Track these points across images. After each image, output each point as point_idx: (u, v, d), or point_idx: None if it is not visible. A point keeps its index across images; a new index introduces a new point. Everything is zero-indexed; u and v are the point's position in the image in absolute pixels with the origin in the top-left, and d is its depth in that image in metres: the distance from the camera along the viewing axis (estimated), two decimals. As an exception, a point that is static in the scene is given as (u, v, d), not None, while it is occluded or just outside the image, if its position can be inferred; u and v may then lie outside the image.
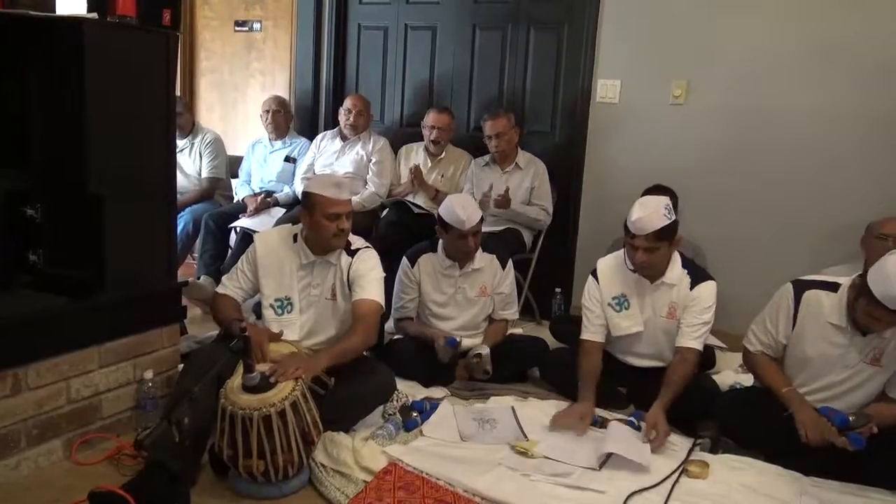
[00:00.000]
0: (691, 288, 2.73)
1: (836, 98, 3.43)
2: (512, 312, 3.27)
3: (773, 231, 3.61)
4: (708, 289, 2.73)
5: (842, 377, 2.42)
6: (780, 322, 2.49)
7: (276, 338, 2.49)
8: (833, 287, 2.42)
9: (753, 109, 3.60)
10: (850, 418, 2.26)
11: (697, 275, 2.77)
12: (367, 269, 2.62)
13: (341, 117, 4.18)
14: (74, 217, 2.34)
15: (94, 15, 2.33)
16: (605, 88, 3.91)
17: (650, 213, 2.60)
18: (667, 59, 3.76)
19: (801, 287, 2.46)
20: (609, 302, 2.81)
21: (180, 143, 4.26)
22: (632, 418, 2.67)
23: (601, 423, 2.64)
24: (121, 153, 2.37)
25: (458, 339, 3.00)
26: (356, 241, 2.70)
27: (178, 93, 4.41)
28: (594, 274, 2.88)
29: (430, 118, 4.06)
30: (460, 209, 2.95)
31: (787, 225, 3.57)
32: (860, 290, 2.26)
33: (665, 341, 2.79)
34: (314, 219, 2.56)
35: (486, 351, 2.98)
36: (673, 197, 3.29)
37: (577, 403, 2.69)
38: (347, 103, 4.19)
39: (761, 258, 3.56)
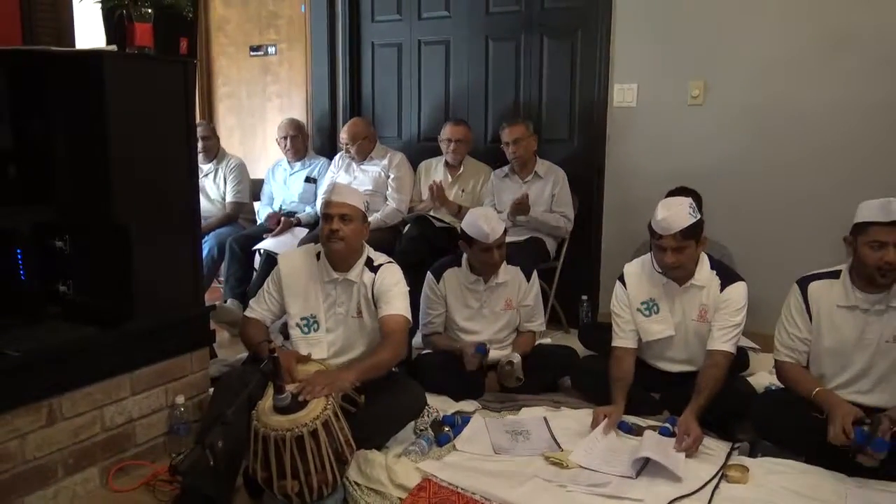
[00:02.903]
0: (721, 289, 2.70)
1: (859, 91, 3.38)
2: (538, 324, 3.24)
3: (800, 228, 3.56)
4: (739, 290, 2.70)
5: (866, 360, 2.37)
6: (797, 321, 2.48)
7: (305, 360, 2.49)
8: (835, 274, 2.44)
9: (774, 106, 3.56)
10: (864, 429, 2.18)
11: (727, 276, 2.74)
12: (391, 283, 2.61)
13: (343, 150, 4.21)
14: (102, 247, 2.37)
15: (113, 47, 2.38)
16: (622, 93, 3.90)
17: (675, 212, 2.59)
18: (683, 59, 3.74)
19: (804, 282, 2.48)
20: (638, 307, 2.78)
21: (205, 167, 4.33)
22: (666, 424, 2.63)
23: (636, 432, 2.60)
24: (145, 182, 2.40)
25: (486, 347, 2.98)
26: (378, 258, 2.70)
27: (198, 118, 4.50)
28: (621, 279, 2.85)
29: (447, 131, 4.07)
30: (484, 223, 2.95)
31: (813, 222, 3.51)
32: (853, 237, 2.31)
33: (697, 345, 2.75)
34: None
35: (517, 359, 2.96)
36: (696, 198, 3.27)
37: (605, 407, 2.66)
38: (343, 136, 4.20)
39: (789, 256, 3.50)
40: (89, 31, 2.82)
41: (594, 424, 2.58)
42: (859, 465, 2.25)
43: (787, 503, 2.15)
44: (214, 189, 4.39)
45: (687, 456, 2.39)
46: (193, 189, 2.63)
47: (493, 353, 3.07)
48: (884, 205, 2.26)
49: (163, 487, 2.31)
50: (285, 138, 4.35)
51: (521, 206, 3.72)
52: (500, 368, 3.00)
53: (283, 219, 4.15)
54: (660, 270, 2.73)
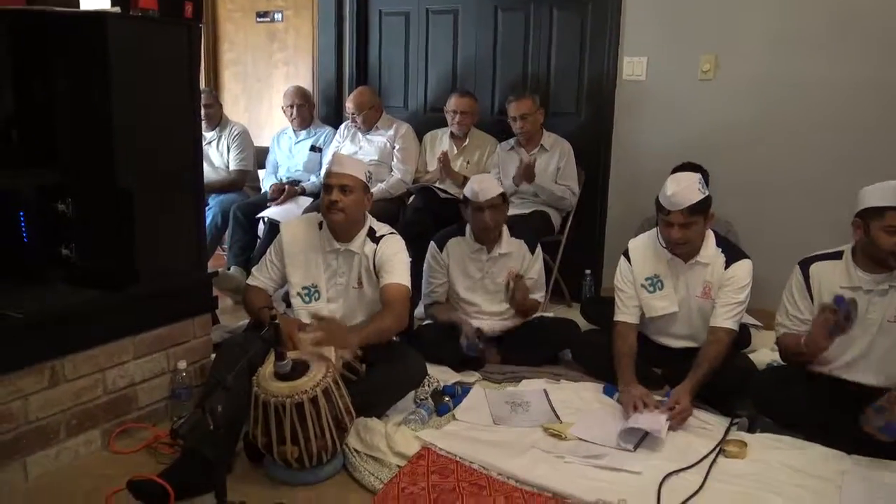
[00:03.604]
0: (726, 267, 2.68)
1: (872, 69, 3.33)
2: (539, 296, 3.24)
3: (806, 205, 3.53)
4: (744, 267, 2.68)
5: (867, 340, 2.37)
6: (798, 302, 2.48)
7: (304, 328, 2.49)
8: (837, 255, 2.44)
9: (786, 83, 3.51)
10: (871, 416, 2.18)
11: (732, 253, 2.72)
12: (392, 253, 2.61)
13: (349, 119, 4.18)
14: (105, 211, 2.36)
15: (117, 9, 2.35)
16: (632, 66, 3.85)
17: (684, 187, 2.57)
18: (694, 33, 3.68)
19: (806, 263, 2.48)
20: (642, 283, 2.77)
21: (208, 135, 4.30)
22: (666, 398, 2.63)
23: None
24: (148, 146, 2.39)
25: (474, 345, 2.96)
26: (381, 228, 2.69)
27: (203, 85, 4.47)
28: (626, 255, 2.84)
29: (453, 102, 4.03)
30: (475, 182, 3.04)
31: (820, 199, 3.48)
32: (864, 222, 2.29)
33: (700, 321, 2.74)
34: None
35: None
36: (703, 174, 3.23)
37: (626, 390, 2.57)
38: (349, 106, 4.16)
39: (794, 235, 3.48)
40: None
41: (629, 410, 2.48)
42: (858, 443, 2.26)
43: (785, 479, 2.16)
44: (218, 157, 4.37)
45: (673, 429, 2.39)
46: (197, 154, 2.61)
47: (493, 325, 3.10)
48: None
49: (163, 450, 2.33)
50: (291, 107, 4.31)
51: (528, 171, 3.69)
52: (515, 283, 3.05)
53: (286, 187, 4.14)
54: (665, 246, 2.72)
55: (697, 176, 2.65)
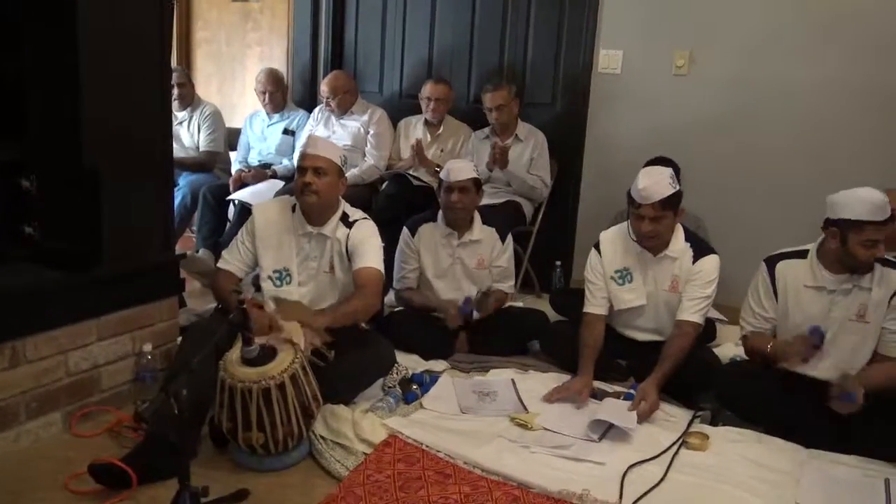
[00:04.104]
0: (694, 261, 2.72)
1: (841, 71, 3.38)
2: (508, 286, 3.26)
3: (775, 204, 3.58)
4: (711, 262, 2.72)
5: (830, 338, 2.41)
6: (763, 300, 2.52)
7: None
8: (802, 253, 2.48)
9: (758, 82, 3.55)
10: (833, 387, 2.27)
11: (700, 248, 2.76)
12: (365, 237, 2.60)
13: (323, 103, 4.14)
14: (70, 189, 2.31)
15: (88, -19, 2.28)
16: (607, 59, 3.86)
17: (656, 181, 2.59)
18: (670, 29, 3.70)
19: (772, 261, 2.51)
20: (612, 275, 2.79)
21: (180, 115, 4.23)
22: (630, 390, 2.67)
23: (601, 397, 2.64)
24: (116, 124, 2.33)
25: (471, 307, 3.02)
26: (354, 213, 2.68)
27: (174, 63, 4.39)
28: (597, 246, 2.86)
29: (427, 89, 4.01)
30: (451, 164, 3.10)
31: (789, 198, 3.54)
32: (842, 231, 2.29)
33: (666, 315, 2.77)
34: None
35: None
36: (675, 168, 3.26)
37: (575, 378, 2.69)
38: (324, 89, 4.11)
39: (763, 231, 3.53)
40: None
41: (562, 397, 2.59)
42: (816, 437, 2.31)
43: (744, 471, 2.20)
44: (189, 137, 4.30)
45: (641, 421, 2.43)
46: (166, 134, 2.55)
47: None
48: (877, 204, 2.24)
49: (127, 434, 2.30)
50: (264, 93, 4.25)
51: (502, 155, 3.68)
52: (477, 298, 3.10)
53: (253, 170, 4.09)
54: (635, 239, 2.74)
55: (669, 170, 2.68)
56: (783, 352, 2.43)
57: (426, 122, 4.10)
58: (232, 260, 2.65)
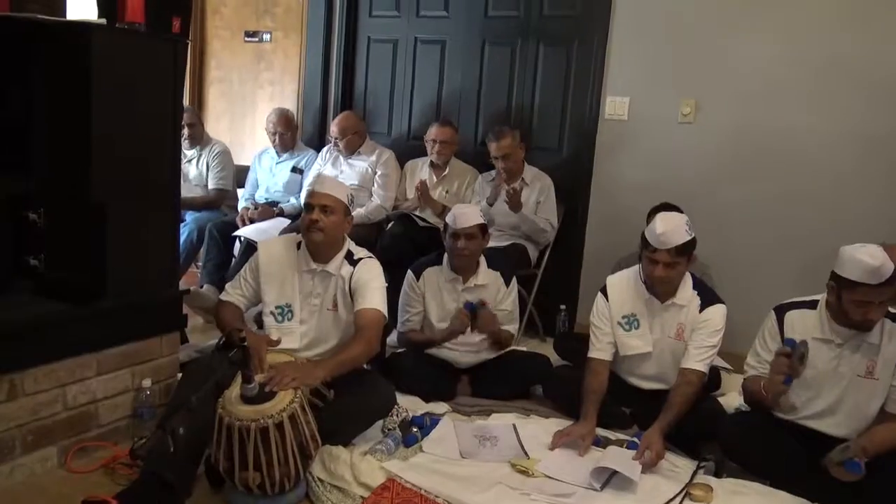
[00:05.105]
0: (701, 310, 2.70)
1: (847, 118, 3.40)
2: (513, 329, 3.23)
3: (781, 251, 3.57)
4: (718, 312, 2.71)
5: (837, 393, 2.38)
6: (770, 346, 2.49)
7: (274, 344, 2.46)
8: (812, 304, 2.45)
9: (763, 129, 3.57)
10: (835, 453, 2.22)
11: (708, 297, 2.74)
12: (369, 278, 2.59)
13: (332, 143, 4.19)
14: (77, 223, 2.33)
15: (103, 21, 2.33)
16: (614, 105, 3.90)
17: (673, 227, 2.60)
18: (676, 77, 3.74)
19: (781, 310, 2.49)
20: (619, 321, 2.77)
21: (189, 152, 4.28)
22: (634, 439, 2.62)
23: (603, 444, 2.60)
24: (125, 160, 2.36)
25: (475, 303, 3.01)
26: (359, 252, 2.68)
27: (186, 102, 4.45)
28: (604, 291, 2.84)
29: (433, 132, 4.06)
30: (457, 209, 3.08)
31: (794, 245, 3.53)
32: (837, 288, 2.28)
33: (671, 362, 2.75)
34: None
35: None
36: (680, 215, 3.27)
37: (578, 423, 2.65)
38: (333, 130, 4.17)
39: (768, 278, 3.52)
40: (82, 2, 2.77)
41: (564, 441, 2.56)
42: (822, 492, 2.26)
43: (749, 525, 2.15)
44: (197, 174, 4.34)
45: (646, 471, 2.38)
46: (175, 171, 2.58)
47: (466, 359, 3.08)
48: (871, 267, 2.20)
49: (122, 471, 2.27)
50: (274, 134, 4.31)
51: (514, 198, 3.69)
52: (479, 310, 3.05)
53: (260, 208, 4.11)
54: (646, 282, 2.73)
55: (685, 217, 2.70)
56: (769, 382, 2.38)
57: (431, 164, 4.13)
58: (234, 293, 2.65)
